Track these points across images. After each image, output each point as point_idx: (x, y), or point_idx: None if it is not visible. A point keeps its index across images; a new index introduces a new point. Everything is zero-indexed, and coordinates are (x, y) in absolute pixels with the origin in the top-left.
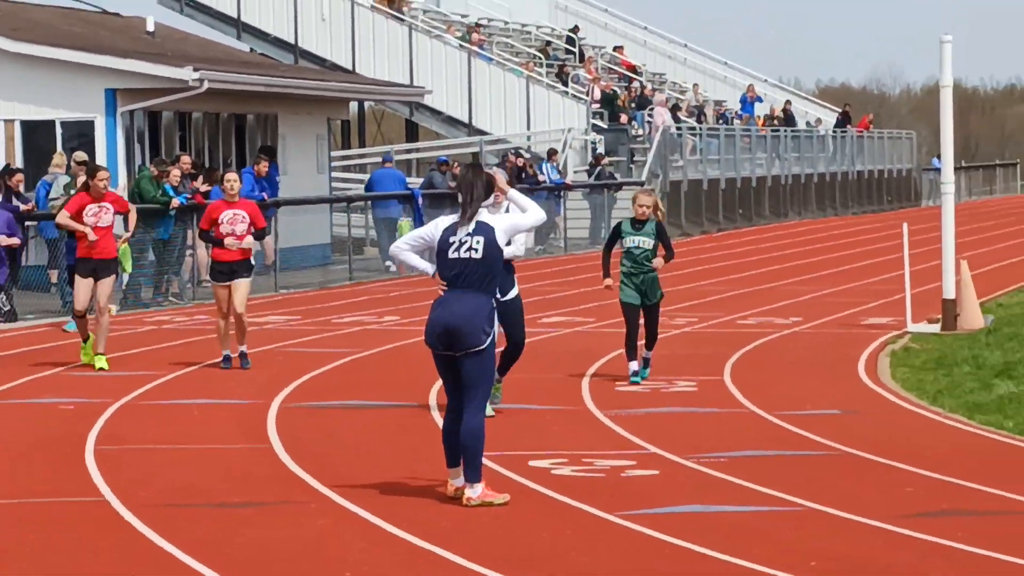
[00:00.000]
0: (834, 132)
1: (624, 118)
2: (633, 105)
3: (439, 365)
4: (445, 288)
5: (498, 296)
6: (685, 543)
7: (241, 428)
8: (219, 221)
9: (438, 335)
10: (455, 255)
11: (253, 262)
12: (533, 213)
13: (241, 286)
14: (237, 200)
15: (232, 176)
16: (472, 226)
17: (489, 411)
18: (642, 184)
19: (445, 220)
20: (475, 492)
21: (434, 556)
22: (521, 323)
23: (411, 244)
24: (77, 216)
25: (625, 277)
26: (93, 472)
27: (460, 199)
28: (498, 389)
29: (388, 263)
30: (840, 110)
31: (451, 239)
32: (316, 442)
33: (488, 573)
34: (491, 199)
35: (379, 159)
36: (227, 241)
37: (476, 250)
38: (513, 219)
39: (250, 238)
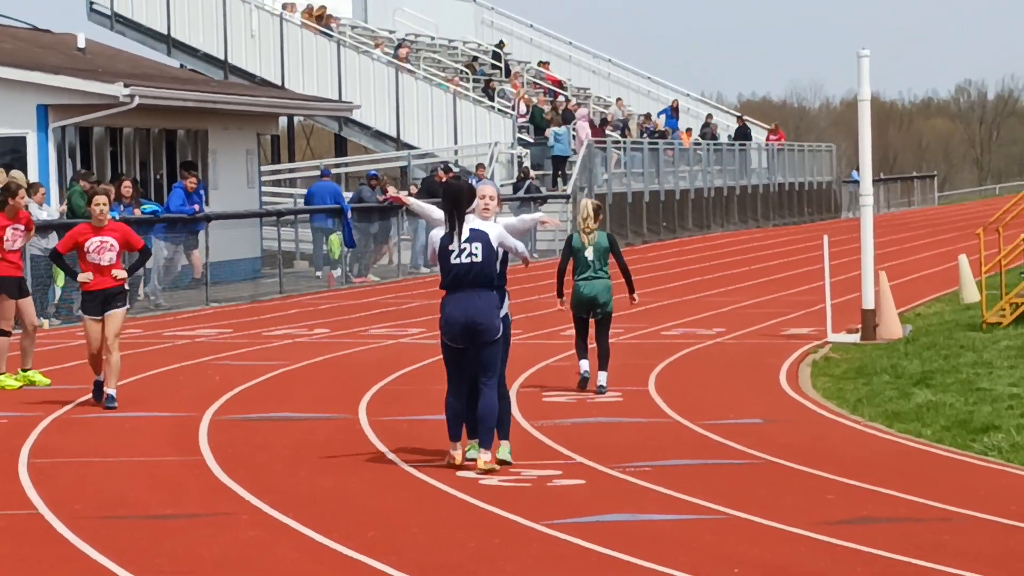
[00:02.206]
0: (732, 143)
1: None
2: (550, 119)
3: (449, 355)
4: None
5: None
6: (611, 551)
7: (173, 440)
8: (85, 249)
9: (459, 332)
10: (457, 261)
11: (127, 288)
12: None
13: (115, 317)
14: (106, 224)
15: (101, 199)
16: (467, 233)
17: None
18: (567, 198)
19: (438, 231)
20: (487, 456)
21: (363, 566)
22: (504, 357)
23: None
24: None
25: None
26: (26, 485)
27: (447, 210)
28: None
29: (318, 273)
30: (737, 122)
31: (450, 247)
32: (247, 454)
33: None
34: (477, 207)
35: (309, 174)
36: (81, 277)
37: (476, 255)
38: (505, 234)
39: (122, 271)
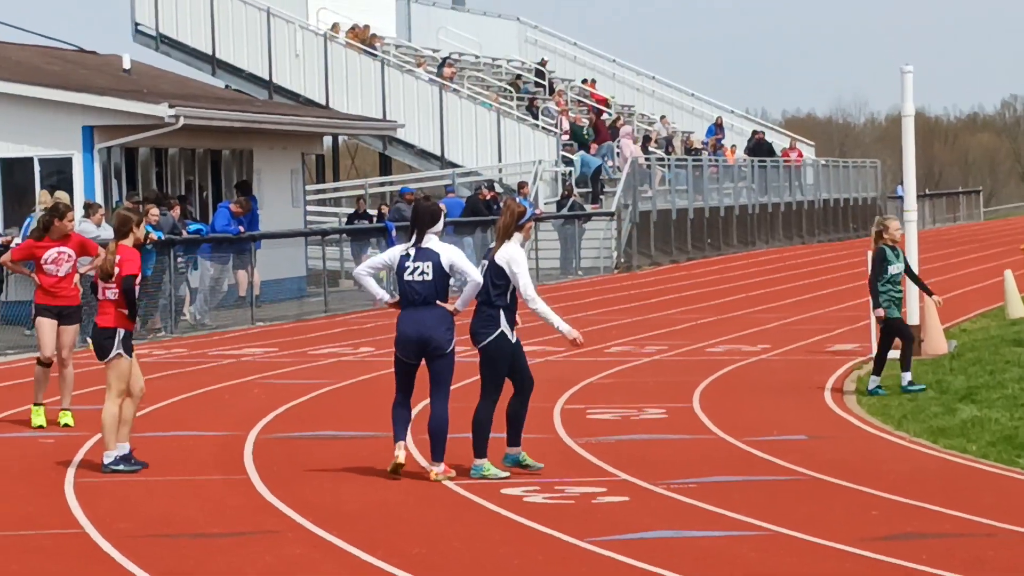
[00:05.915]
0: (749, 160)
1: (593, 150)
2: (592, 136)
3: (400, 368)
4: (396, 306)
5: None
6: (655, 568)
7: (218, 459)
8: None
9: (412, 348)
10: (410, 278)
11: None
12: (478, 275)
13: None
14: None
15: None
16: (415, 252)
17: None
18: (611, 215)
19: (400, 248)
20: (439, 469)
21: None
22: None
23: (373, 268)
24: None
25: (895, 301)
26: (72, 504)
27: (409, 229)
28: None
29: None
30: (755, 138)
31: (406, 264)
32: (292, 472)
33: None
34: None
35: (353, 193)
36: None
37: (427, 273)
38: (462, 261)
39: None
